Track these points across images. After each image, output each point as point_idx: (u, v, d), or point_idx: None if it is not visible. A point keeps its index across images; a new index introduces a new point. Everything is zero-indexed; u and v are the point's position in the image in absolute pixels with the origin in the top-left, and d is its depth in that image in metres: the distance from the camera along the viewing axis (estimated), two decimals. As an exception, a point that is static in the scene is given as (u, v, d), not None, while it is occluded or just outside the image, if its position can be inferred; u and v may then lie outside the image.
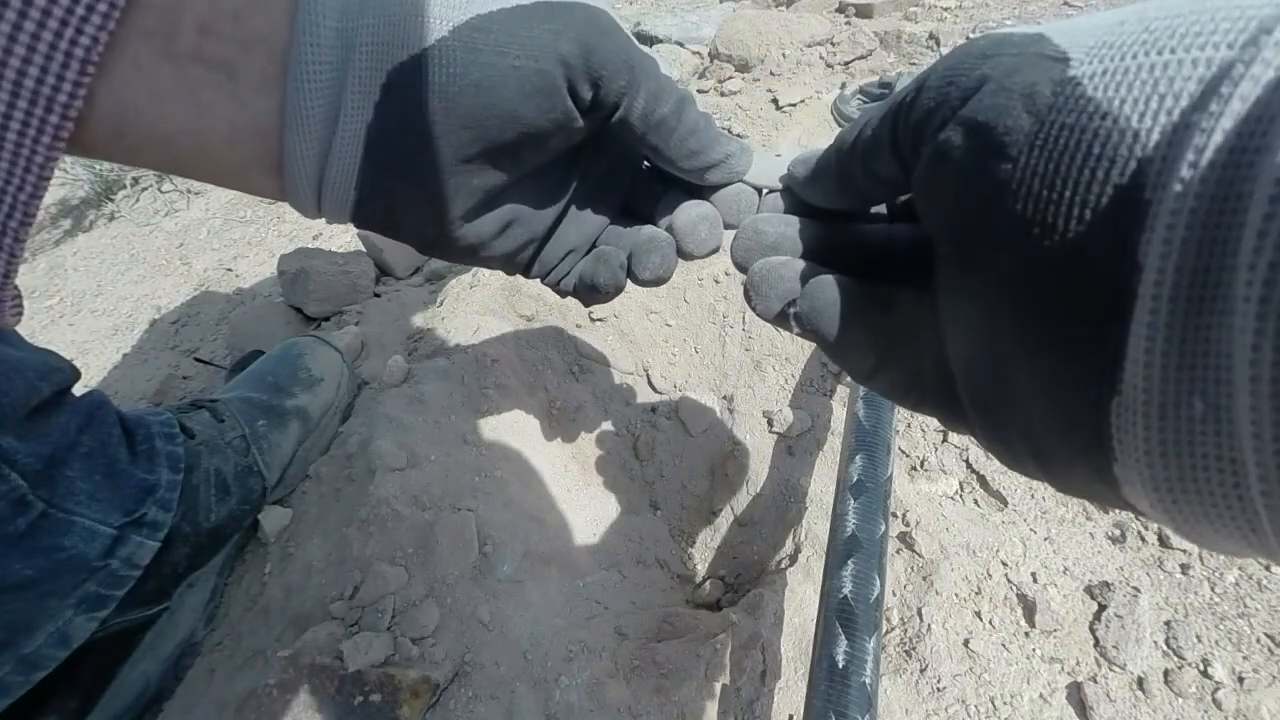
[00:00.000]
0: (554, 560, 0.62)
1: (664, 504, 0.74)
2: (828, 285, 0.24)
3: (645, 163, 0.36)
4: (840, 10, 1.45)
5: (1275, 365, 0.12)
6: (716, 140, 0.31)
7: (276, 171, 0.26)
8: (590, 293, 0.34)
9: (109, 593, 0.46)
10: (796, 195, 0.30)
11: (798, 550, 0.62)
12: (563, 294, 0.35)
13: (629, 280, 0.33)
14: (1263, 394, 0.12)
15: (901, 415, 0.69)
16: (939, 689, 0.51)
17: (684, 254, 0.33)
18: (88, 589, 0.45)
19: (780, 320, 0.26)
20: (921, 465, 0.66)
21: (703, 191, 0.33)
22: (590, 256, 0.34)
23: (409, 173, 0.26)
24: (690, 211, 0.32)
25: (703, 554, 0.71)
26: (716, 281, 0.85)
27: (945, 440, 0.67)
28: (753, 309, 0.27)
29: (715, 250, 0.33)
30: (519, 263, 0.33)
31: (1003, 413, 0.19)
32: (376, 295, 0.92)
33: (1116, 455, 0.16)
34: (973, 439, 0.29)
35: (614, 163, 0.34)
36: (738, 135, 1.06)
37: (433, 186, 0.27)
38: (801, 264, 0.26)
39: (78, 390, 0.49)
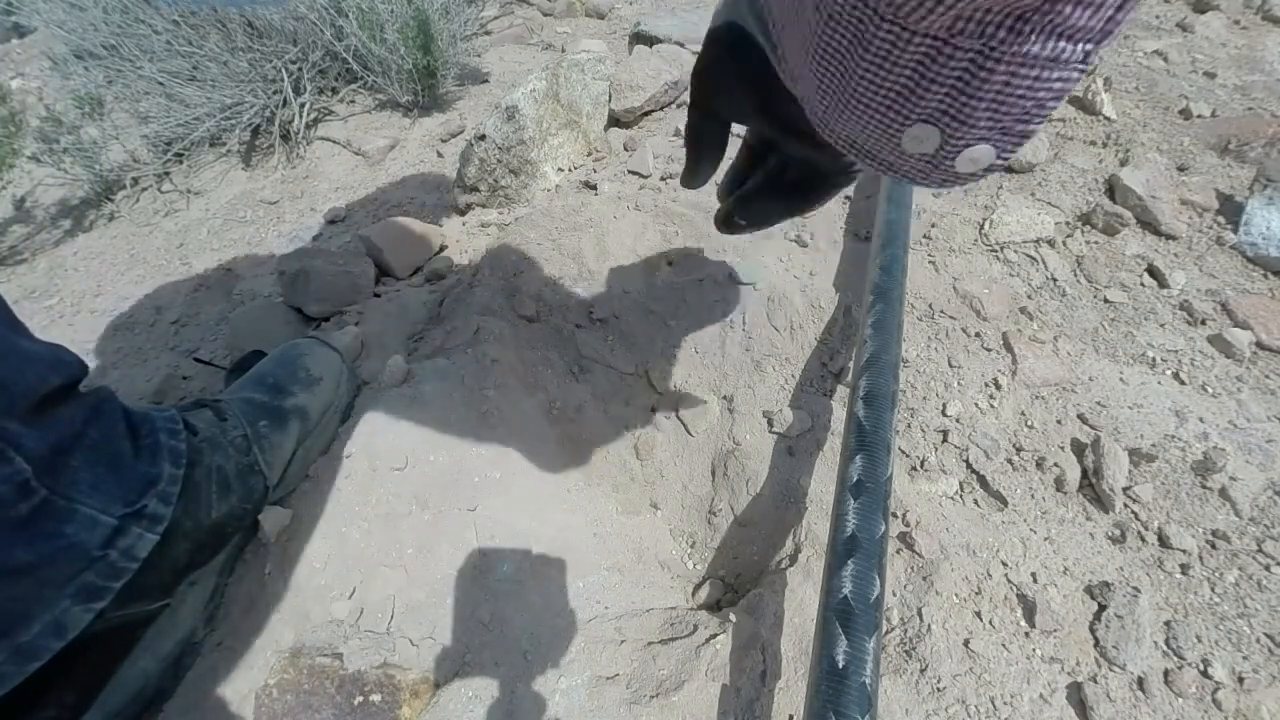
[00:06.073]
0: (554, 560, 0.62)
1: (664, 504, 0.74)
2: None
3: None
4: (840, 10, 1.45)
5: None
6: None
7: None
8: None
9: (106, 584, 0.47)
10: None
11: (798, 550, 0.62)
12: None
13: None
14: None
15: (901, 415, 0.69)
16: (939, 689, 0.51)
17: None
18: (85, 579, 0.45)
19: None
20: (921, 465, 0.66)
21: None
22: None
23: None
24: None
25: (703, 554, 0.71)
26: (716, 281, 0.85)
27: (945, 440, 0.67)
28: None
29: None
30: None
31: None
32: (376, 295, 0.92)
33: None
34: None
35: None
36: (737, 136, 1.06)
37: None
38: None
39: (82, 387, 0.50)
